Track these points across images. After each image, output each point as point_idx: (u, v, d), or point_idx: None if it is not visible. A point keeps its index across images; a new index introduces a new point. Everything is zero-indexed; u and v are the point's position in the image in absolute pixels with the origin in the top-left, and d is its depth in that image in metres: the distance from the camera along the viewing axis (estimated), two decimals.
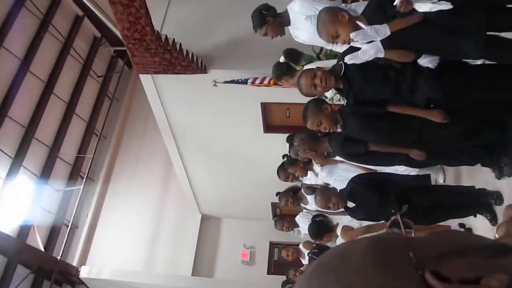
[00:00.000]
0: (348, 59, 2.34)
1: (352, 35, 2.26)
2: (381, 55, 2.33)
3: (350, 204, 3.53)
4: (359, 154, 3.12)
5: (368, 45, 2.26)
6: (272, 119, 7.96)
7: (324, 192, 3.59)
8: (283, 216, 5.72)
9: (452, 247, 0.50)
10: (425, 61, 2.52)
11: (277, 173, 4.84)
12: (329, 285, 0.48)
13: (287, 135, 4.83)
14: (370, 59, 2.34)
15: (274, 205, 10.19)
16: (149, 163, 11.27)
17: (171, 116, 7.97)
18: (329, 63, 3.42)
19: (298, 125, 6.53)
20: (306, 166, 4.40)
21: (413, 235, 0.54)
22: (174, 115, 7.96)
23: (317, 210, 4.77)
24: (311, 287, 0.50)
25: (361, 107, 2.86)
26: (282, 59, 3.96)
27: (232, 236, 10.78)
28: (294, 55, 3.87)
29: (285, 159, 4.58)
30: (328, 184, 4.10)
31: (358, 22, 2.28)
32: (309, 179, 4.85)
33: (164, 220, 10.94)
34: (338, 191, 3.57)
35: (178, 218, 10.91)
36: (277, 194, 5.03)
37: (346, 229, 3.95)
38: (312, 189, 4.63)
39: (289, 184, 5.06)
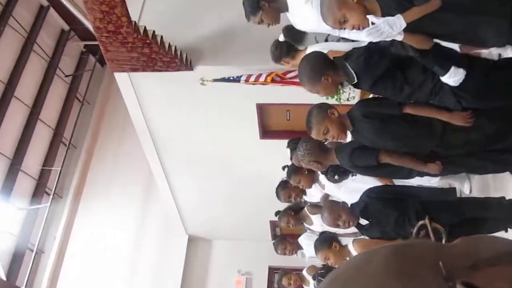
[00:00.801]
0: (367, 34, 2.35)
1: (363, 34, 2.31)
2: (400, 38, 2.37)
3: (363, 221, 3.59)
4: (370, 166, 3.19)
5: (387, 22, 2.29)
6: (270, 123, 8.03)
7: (332, 207, 3.63)
8: (285, 237, 5.68)
9: (484, 254, 0.51)
10: (450, 80, 2.57)
11: (276, 193, 4.91)
12: None
13: (287, 141, 4.89)
14: (388, 39, 2.37)
15: (273, 224, 10.21)
16: (126, 177, 11.27)
17: (151, 121, 8.02)
18: (341, 46, 3.48)
19: (300, 129, 6.50)
20: (311, 175, 4.45)
21: (443, 242, 0.55)
22: (155, 120, 8.01)
23: (324, 232, 4.79)
24: None
25: (373, 108, 2.94)
26: (281, 38, 3.99)
27: (224, 261, 10.79)
28: (296, 33, 3.87)
29: (285, 170, 4.62)
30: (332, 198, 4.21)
31: (369, 17, 2.32)
32: (314, 195, 4.90)
33: (145, 242, 10.98)
34: (349, 205, 3.60)
35: (161, 240, 10.92)
36: (276, 213, 5.13)
37: (359, 240, 3.98)
38: (317, 208, 4.73)
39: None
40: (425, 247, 0.53)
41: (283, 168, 4.67)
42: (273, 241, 5.85)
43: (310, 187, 4.56)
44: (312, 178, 4.47)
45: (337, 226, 3.58)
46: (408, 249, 0.53)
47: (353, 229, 3.81)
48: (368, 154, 3.13)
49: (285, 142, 4.96)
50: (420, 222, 0.62)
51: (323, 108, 3.10)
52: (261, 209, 9.03)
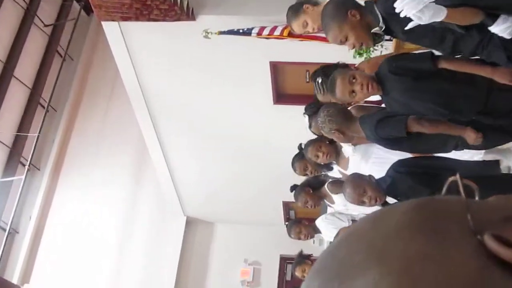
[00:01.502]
0: (400, 5, 2.42)
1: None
2: (443, 16, 2.44)
3: (390, 200, 3.65)
4: (399, 139, 3.23)
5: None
6: (286, 85, 8.10)
7: (356, 181, 3.70)
8: (300, 219, 5.79)
9: None
10: (500, 29, 2.58)
11: (292, 163, 5.00)
12: (358, 254, 0.52)
13: (304, 106, 4.93)
14: (426, 23, 2.44)
15: (286, 205, 10.35)
16: (115, 147, 11.37)
17: (145, 81, 8.08)
18: None
19: None
20: (334, 146, 4.54)
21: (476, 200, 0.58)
22: (149, 80, 8.06)
23: (346, 214, 4.98)
24: (335, 259, 0.54)
25: (403, 62, 2.96)
26: None
27: (228, 248, 10.88)
28: None
29: (301, 148, 4.76)
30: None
31: None
32: (334, 172, 5.01)
33: (136, 224, 11.10)
34: (376, 181, 3.67)
35: (155, 222, 11.05)
36: (292, 188, 5.18)
37: None
38: (340, 185, 4.74)
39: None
40: (453, 201, 0.56)
41: (299, 147, 4.79)
42: (286, 224, 5.89)
43: (332, 158, 4.64)
44: (334, 150, 4.56)
45: (362, 203, 3.65)
46: (432, 203, 0.56)
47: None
48: (395, 123, 3.17)
49: (303, 108, 5.00)
50: (451, 179, 0.59)
51: (347, 71, 3.21)
52: (273, 188, 9.34)
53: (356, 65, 3.49)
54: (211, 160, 9.36)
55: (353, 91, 3.12)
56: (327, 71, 3.89)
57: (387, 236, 0.53)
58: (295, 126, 7.34)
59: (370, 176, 3.70)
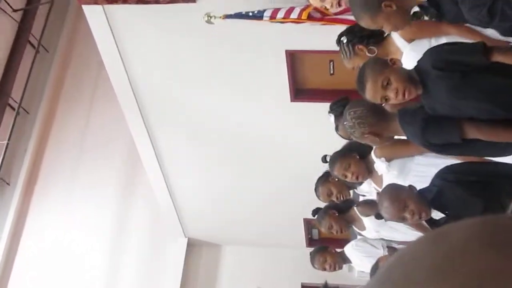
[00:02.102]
0: None
1: None
2: None
3: (436, 215, 3.70)
4: (451, 144, 3.25)
5: None
6: (305, 79, 8.14)
7: (395, 193, 3.76)
8: (325, 247, 5.82)
9: None
10: None
11: (316, 188, 5.13)
12: (417, 273, 0.58)
13: (329, 104, 4.99)
14: None
15: (308, 224, 10.37)
16: (100, 157, 11.35)
17: (136, 76, 8.13)
18: None
19: (349, 88, 6.61)
20: (364, 163, 4.59)
21: None
22: (141, 75, 8.11)
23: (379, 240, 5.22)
24: (388, 282, 0.60)
25: (449, 55, 3.01)
26: None
27: (238, 274, 10.90)
28: None
29: (327, 159, 4.79)
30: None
31: None
32: (367, 192, 5.14)
33: (127, 248, 11.07)
34: (418, 192, 3.75)
35: (150, 246, 11.02)
36: (314, 212, 5.31)
37: None
38: (370, 207, 4.93)
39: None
40: None
41: (324, 159, 4.84)
42: (308, 249, 5.80)
43: (363, 178, 4.67)
44: (364, 169, 4.60)
45: (403, 219, 3.71)
46: (498, 219, 0.61)
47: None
48: (448, 128, 3.19)
49: (327, 106, 5.04)
50: None
51: (381, 62, 3.28)
52: (292, 204, 9.44)
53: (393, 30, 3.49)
54: (216, 171, 9.46)
55: (386, 97, 3.21)
56: (354, 31, 4.02)
57: (452, 251, 0.58)
58: (318, 128, 7.47)
59: (410, 186, 3.75)
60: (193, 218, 10.60)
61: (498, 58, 2.93)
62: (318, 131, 7.61)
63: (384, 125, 3.51)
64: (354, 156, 4.53)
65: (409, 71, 3.22)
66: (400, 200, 3.68)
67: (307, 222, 10.29)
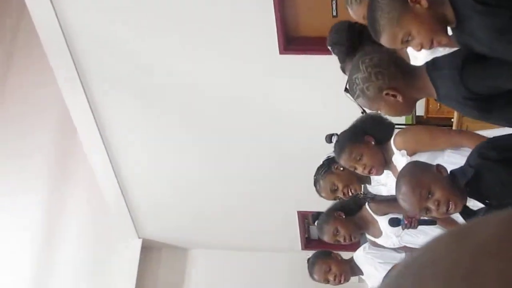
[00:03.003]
0: None
1: None
2: None
3: (473, 205, 3.75)
4: (502, 96, 3.34)
5: None
6: (299, 23, 8.36)
7: (416, 173, 3.80)
8: (328, 252, 5.86)
9: None
10: None
11: (315, 181, 5.15)
12: (433, 279, 0.66)
13: (328, 34, 5.05)
14: None
15: (304, 218, 10.49)
16: (25, 134, 10.83)
17: (70, 19, 8.30)
18: None
19: None
20: (380, 152, 4.69)
21: None
22: (76, 19, 8.30)
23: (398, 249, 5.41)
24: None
25: None
26: None
27: (210, 286, 11.21)
28: None
29: (333, 140, 4.87)
30: None
31: None
32: (384, 184, 5.11)
33: (61, 249, 10.99)
34: (449, 173, 3.75)
35: (92, 249, 11.10)
36: (314, 218, 5.46)
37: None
38: (387, 204, 5.06)
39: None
40: None
41: (329, 138, 4.92)
42: (305, 252, 5.79)
43: (377, 172, 4.73)
44: (379, 160, 4.69)
45: (426, 211, 3.73)
46: None
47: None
48: (499, 69, 3.26)
49: (330, 59, 5.10)
50: None
51: None
52: (283, 194, 9.84)
53: None
54: (181, 152, 9.75)
55: (407, 41, 3.37)
56: None
57: (478, 251, 0.67)
58: (318, 91, 8.31)
59: (438, 166, 3.77)
60: (150, 215, 10.86)
61: None
62: (317, 94, 8.22)
63: (408, 78, 3.53)
64: (369, 143, 4.59)
65: (441, 7, 3.28)
66: (423, 184, 3.67)
67: (302, 217, 10.42)
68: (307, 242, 10.71)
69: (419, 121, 7.76)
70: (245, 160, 9.69)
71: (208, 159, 9.83)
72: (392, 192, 4.85)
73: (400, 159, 4.48)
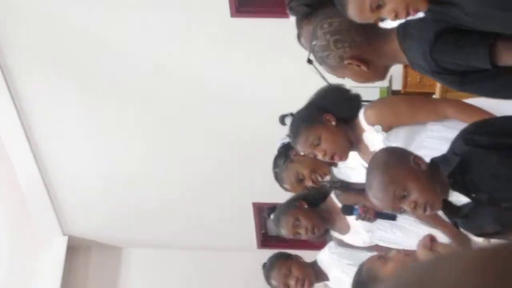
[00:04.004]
0: None
1: None
2: None
3: (458, 199, 3.72)
4: (472, 74, 3.41)
5: None
6: None
7: (389, 165, 3.75)
8: (287, 254, 5.70)
9: None
10: None
11: (276, 175, 5.12)
12: None
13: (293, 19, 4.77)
14: None
15: (260, 210, 10.14)
16: None
17: None
18: None
19: None
20: (345, 129, 4.61)
21: None
22: None
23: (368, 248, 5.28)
24: None
25: None
26: None
27: None
28: None
29: (287, 122, 4.80)
30: None
31: None
32: (354, 169, 5.05)
33: None
34: (430, 161, 3.79)
35: (8, 246, 10.73)
36: (270, 211, 5.37)
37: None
38: (356, 193, 4.94)
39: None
40: None
41: (281, 120, 4.85)
42: (261, 251, 6.48)
43: (341, 157, 4.64)
44: (345, 138, 4.62)
45: (399, 210, 3.76)
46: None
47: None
48: (471, 44, 3.30)
49: (284, 21, 5.32)
50: None
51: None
52: (234, 183, 9.89)
53: None
54: (113, 138, 9.70)
55: (378, 7, 3.29)
56: None
57: (454, 277, 0.80)
58: (276, 63, 8.18)
59: (416, 157, 3.74)
60: (77, 210, 10.71)
61: None
62: (275, 67, 8.14)
63: (375, 45, 3.58)
64: (329, 122, 4.48)
65: None
66: (397, 181, 3.62)
67: (258, 210, 10.18)
68: (264, 239, 10.52)
69: None
70: (189, 146, 9.66)
71: (146, 147, 9.81)
72: (363, 177, 4.73)
73: (374, 137, 4.43)
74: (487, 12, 3.26)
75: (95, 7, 8.51)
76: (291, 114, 4.70)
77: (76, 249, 11.24)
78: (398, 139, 4.32)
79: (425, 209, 3.64)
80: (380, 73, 3.78)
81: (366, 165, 4.49)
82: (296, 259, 5.44)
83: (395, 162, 3.74)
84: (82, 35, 8.77)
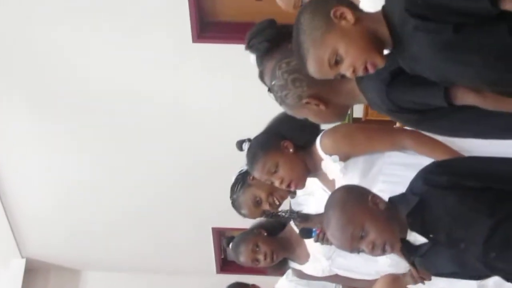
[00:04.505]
0: None
1: None
2: None
3: (416, 238, 3.64)
4: (428, 112, 3.40)
5: None
6: (217, 6, 8.43)
7: (347, 205, 3.65)
8: (243, 284, 5.79)
9: None
10: None
11: (234, 201, 4.99)
12: None
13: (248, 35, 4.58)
14: None
15: (220, 235, 10.40)
16: None
17: None
18: None
19: (288, 21, 6.53)
20: (303, 155, 4.54)
21: None
22: None
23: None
24: None
25: (437, 1, 3.00)
26: None
27: None
28: None
29: (244, 148, 4.72)
30: None
31: None
32: (309, 192, 5.00)
33: None
34: (387, 201, 3.65)
35: None
36: (229, 240, 5.27)
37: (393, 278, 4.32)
38: (317, 218, 4.77)
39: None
40: None
41: (239, 146, 4.76)
42: (220, 276, 6.88)
43: (302, 182, 4.55)
44: (302, 165, 4.53)
45: (357, 251, 3.64)
46: None
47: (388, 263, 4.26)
48: (427, 85, 3.26)
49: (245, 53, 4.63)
50: None
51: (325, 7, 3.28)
52: (194, 207, 9.85)
53: None
54: (71, 158, 9.62)
55: (341, 75, 3.30)
56: None
57: None
58: (237, 87, 8.22)
59: (374, 197, 3.66)
60: (35, 231, 10.61)
61: (509, 5, 2.89)
62: (236, 91, 8.19)
63: (334, 84, 3.47)
64: (286, 150, 4.41)
65: (371, 24, 3.25)
66: (355, 222, 3.54)
67: (218, 234, 10.34)
68: (223, 263, 10.51)
69: None
70: (147, 168, 9.62)
71: (103, 167, 9.74)
72: (322, 203, 4.55)
73: (331, 166, 4.35)
74: (441, 68, 3.21)
75: (46, 23, 8.43)
76: (249, 140, 4.65)
77: (34, 272, 11.11)
78: (356, 168, 4.33)
79: (383, 250, 3.59)
80: (339, 112, 3.75)
81: (326, 189, 4.62)
82: (249, 286, 5.55)
83: (353, 202, 3.68)
84: (32, 51, 8.63)
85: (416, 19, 3.04)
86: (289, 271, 5.37)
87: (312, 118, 3.70)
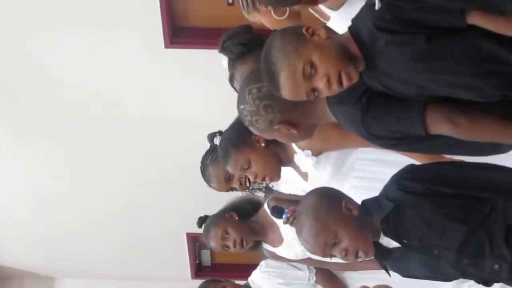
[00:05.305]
0: None
1: None
2: None
3: (389, 242, 3.66)
4: (410, 137, 3.41)
5: None
6: (189, 12, 8.43)
7: (320, 212, 3.64)
8: (216, 279, 5.66)
9: None
10: None
11: (204, 169, 4.97)
12: None
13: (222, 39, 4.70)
14: None
15: (194, 241, 10.56)
16: None
17: None
18: None
19: (259, 27, 6.36)
20: (276, 149, 4.55)
21: None
22: None
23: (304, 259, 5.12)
24: None
25: (411, 12, 3.07)
26: None
27: None
28: None
29: (216, 141, 4.81)
30: None
31: None
32: (283, 180, 4.97)
33: None
34: (361, 204, 3.70)
35: None
36: (201, 221, 5.19)
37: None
38: (291, 204, 4.71)
39: (231, 196, 5.34)
40: None
41: (210, 139, 4.88)
42: (195, 281, 6.54)
43: (276, 176, 4.60)
44: (275, 159, 4.55)
45: (329, 256, 3.63)
46: None
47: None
48: (404, 112, 3.33)
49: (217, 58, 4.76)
50: None
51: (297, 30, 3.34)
52: (167, 212, 9.87)
53: None
54: (42, 164, 9.62)
55: (314, 89, 3.29)
56: None
57: None
58: (207, 88, 8.22)
59: (348, 203, 3.65)
60: (6, 238, 10.59)
61: (476, 19, 3.02)
62: (209, 96, 8.23)
63: (304, 107, 3.50)
64: (258, 144, 4.39)
65: (341, 45, 3.26)
66: (328, 230, 3.55)
67: (192, 240, 10.39)
68: (198, 269, 10.56)
69: None
70: (120, 172, 9.64)
71: (74, 172, 9.72)
72: (296, 189, 4.97)
73: (304, 161, 4.37)
74: (415, 78, 3.28)
75: (17, 31, 8.48)
76: (220, 133, 4.72)
77: (8, 280, 11.18)
78: (329, 163, 4.35)
79: (356, 256, 3.60)
80: (308, 132, 3.78)
81: (301, 178, 4.67)
82: (227, 281, 5.44)
83: (326, 209, 3.67)
84: (10, 62, 8.71)
85: (387, 34, 3.12)
86: (263, 263, 5.39)
87: (282, 140, 3.80)
